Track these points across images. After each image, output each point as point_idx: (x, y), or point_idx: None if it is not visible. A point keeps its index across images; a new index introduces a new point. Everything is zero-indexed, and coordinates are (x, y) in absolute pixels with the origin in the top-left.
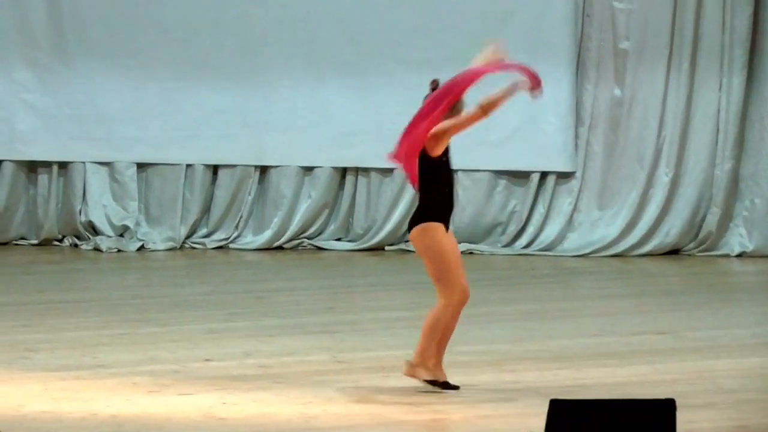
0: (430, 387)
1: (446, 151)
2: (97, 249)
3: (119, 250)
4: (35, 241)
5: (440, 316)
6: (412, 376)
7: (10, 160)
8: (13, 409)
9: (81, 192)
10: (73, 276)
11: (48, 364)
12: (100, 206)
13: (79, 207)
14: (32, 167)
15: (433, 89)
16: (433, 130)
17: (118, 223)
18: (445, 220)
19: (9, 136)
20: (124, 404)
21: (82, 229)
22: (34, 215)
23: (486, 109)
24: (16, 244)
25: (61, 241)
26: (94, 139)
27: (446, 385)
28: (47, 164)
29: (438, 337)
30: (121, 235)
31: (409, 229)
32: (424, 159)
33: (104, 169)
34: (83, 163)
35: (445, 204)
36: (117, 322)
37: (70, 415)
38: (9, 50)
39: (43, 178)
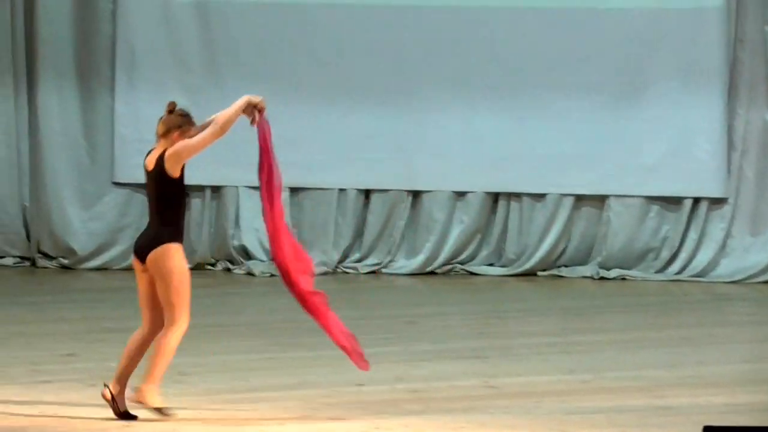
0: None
1: (182, 171)
2: (249, 273)
3: (272, 275)
4: (189, 266)
5: (171, 339)
6: (140, 402)
7: None
8: (164, 431)
9: (234, 216)
10: (225, 300)
11: (200, 387)
12: (253, 230)
13: (231, 231)
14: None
15: (170, 111)
16: (173, 149)
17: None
18: (182, 241)
19: None
20: (275, 429)
21: (234, 254)
22: (187, 240)
23: (224, 127)
24: None
25: (214, 265)
26: (247, 163)
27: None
28: (200, 188)
29: (169, 361)
30: (274, 260)
31: (145, 249)
32: (164, 180)
33: (257, 194)
34: (236, 187)
35: (182, 224)
36: (269, 346)
37: None
38: (163, 74)
39: (196, 202)
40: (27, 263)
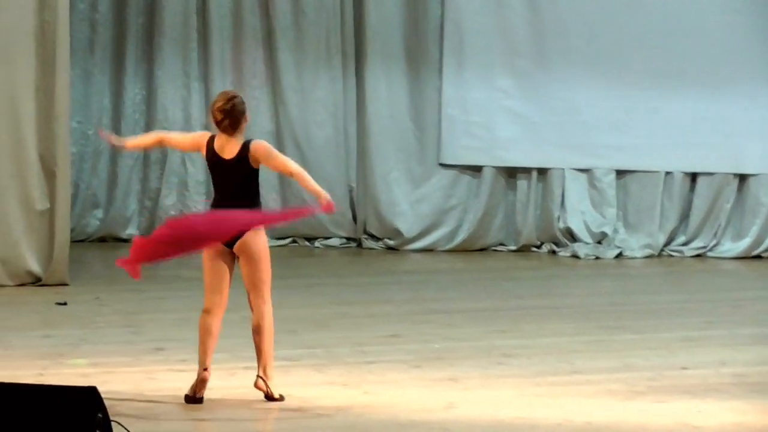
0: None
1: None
2: (574, 256)
3: (597, 257)
4: (513, 247)
5: (270, 319)
6: (263, 388)
7: (491, 166)
8: (488, 414)
9: (559, 198)
10: (550, 282)
11: (524, 369)
12: (579, 213)
13: (557, 213)
14: (512, 173)
15: (233, 98)
16: (266, 150)
17: (596, 229)
18: None
19: (490, 143)
20: (599, 411)
21: (560, 236)
22: (512, 221)
23: (299, 176)
24: (495, 250)
25: (539, 247)
26: (574, 145)
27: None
28: (527, 170)
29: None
30: (599, 242)
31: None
32: (248, 169)
33: (583, 176)
34: (562, 169)
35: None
36: (593, 329)
37: (544, 421)
38: (492, 58)
39: (522, 183)
40: (353, 244)
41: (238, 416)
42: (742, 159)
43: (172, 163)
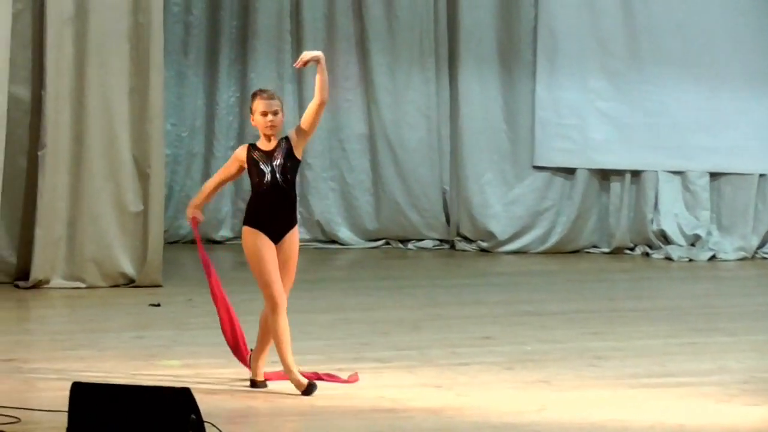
0: None
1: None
2: (668, 258)
3: (690, 260)
4: (606, 250)
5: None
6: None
7: (585, 168)
8: (581, 416)
9: (653, 201)
10: (643, 285)
11: (617, 372)
12: (672, 215)
13: (650, 216)
14: (605, 175)
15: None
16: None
17: (689, 232)
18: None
19: (583, 144)
20: (691, 414)
21: (653, 238)
22: (605, 223)
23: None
24: (588, 252)
25: (632, 249)
26: (667, 147)
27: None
28: (620, 173)
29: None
30: (693, 245)
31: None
32: (296, 163)
33: (677, 178)
34: (656, 171)
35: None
36: (686, 332)
37: (637, 424)
38: (586, 59)
39: (615, 186)
40: (446, 246)
41: (329, 417)
42: None
43: None
